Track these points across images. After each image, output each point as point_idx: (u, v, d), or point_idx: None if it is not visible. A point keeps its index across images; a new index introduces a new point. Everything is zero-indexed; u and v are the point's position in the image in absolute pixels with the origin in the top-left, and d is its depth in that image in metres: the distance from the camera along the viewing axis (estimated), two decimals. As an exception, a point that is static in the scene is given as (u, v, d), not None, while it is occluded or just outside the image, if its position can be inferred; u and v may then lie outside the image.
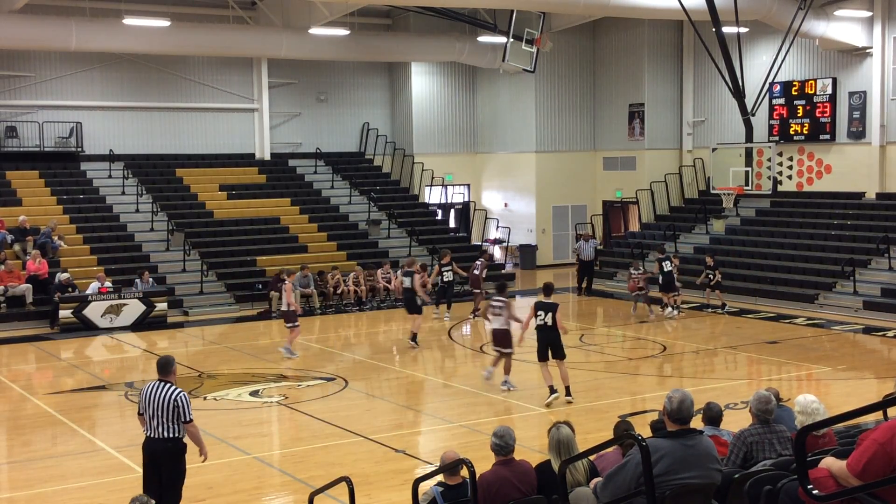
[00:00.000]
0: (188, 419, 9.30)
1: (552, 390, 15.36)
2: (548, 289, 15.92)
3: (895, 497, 4.94)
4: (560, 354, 15.41)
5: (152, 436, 9.33)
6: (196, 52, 30.31)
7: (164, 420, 9.25)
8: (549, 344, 15.34)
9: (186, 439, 9.48)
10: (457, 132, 35.86)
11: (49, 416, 15.48)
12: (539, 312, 15.32)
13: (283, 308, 19.73)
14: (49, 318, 23.74)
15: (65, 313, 23.27)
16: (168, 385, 9.34)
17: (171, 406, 9.23)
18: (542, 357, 15.46)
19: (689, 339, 21.23)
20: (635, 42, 32.84)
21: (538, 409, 15.17)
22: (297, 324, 19.67)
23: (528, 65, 30.76)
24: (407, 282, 21.20)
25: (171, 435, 9.29)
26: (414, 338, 20.61)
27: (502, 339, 16.34)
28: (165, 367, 9.50)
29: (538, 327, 15.39)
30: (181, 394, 9.30)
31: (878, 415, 7.42)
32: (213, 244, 28.50)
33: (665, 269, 23.99)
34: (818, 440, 7.50)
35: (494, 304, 16.40)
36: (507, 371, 16.42)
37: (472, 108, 36.04)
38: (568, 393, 15.48)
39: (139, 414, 9.55)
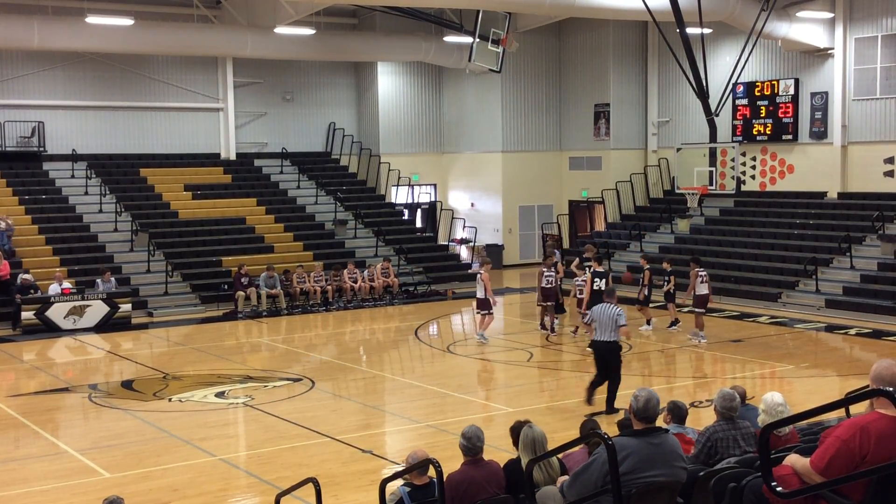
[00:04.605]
0: (623, 324, 14.19)
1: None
2: (601, 259, 21.15)
3: (858, 494, 4.99)
4: None
5: (599, 338, 14.32)
6: (160, 51, 30.03)
7: (606, 329, 14.16)
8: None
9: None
10: (423, 132, 35.84)
11: (11, 418, 15.30)
12: (595, 280, 20.06)
13: (480, 296, 20.88)
14: (11, 319, 23.48)
15: (27, 315, 22.99)
16: (611, 305, 14.34)
17: (613, 318, 14.10)
18: None
19: (654, 337, 21.33)
20: (601, 42, 32.99)
21: (507, 409, 15.22)
22: (490, 311, 20.82)
23: (494, 65, 30.80)
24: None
25: (609, 339, 14.21)
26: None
27: (705, 302, 20.73)
28: (611, 293, 15.23)
29: (594, 291, 19.74)
30: (619, 310, 14.25)
31: (841, 412, 7.53)
32: (178, 244, 28.26)
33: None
34: (781, 437, 7.58)
35: (701, 272, 20.73)
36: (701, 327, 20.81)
37: (439, 108, 36.03)
38: None
39: (587, 323, 15.30)
